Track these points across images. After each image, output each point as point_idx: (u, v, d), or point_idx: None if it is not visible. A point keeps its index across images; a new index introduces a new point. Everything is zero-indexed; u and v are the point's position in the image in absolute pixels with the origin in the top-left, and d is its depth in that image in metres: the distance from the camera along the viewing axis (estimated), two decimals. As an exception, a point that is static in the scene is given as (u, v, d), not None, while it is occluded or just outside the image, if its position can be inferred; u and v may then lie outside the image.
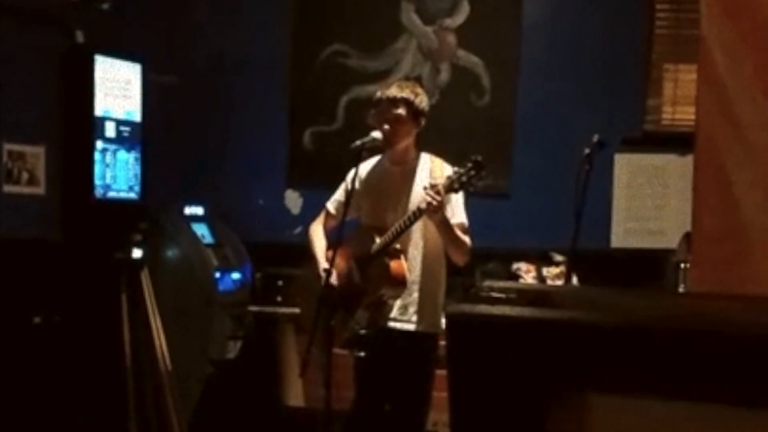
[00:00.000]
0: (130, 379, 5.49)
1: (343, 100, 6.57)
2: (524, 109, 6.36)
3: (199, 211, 6.15)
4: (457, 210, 4.38)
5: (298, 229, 6.07)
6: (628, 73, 6.26)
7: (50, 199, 5.63)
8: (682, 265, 5.31)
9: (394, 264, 4.30)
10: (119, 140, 5.85)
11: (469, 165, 4.05)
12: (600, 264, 5.44)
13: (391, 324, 4.42)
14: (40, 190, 5.59)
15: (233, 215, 6.32)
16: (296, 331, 6.01)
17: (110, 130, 5.79)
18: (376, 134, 4.31)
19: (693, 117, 3.79)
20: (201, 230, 6.04)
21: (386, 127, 4.36)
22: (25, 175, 5.49)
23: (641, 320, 1.91)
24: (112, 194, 5.79)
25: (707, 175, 3.32)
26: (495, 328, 1.97)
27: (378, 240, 4.34)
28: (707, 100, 3.34)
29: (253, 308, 6.14)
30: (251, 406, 5.96)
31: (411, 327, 4.41)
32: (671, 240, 5.69)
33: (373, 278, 4.37)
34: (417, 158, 4.52)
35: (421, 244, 4.41)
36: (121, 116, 5.86)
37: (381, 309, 4.40)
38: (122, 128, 5.87)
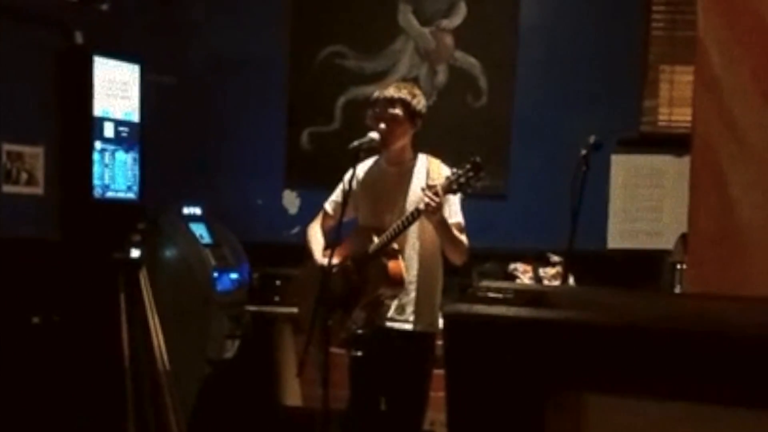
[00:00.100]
0: (128, 378, 5.49)
1: (341, 100, 6.58)
2: (521, 110, 6.37)
3: (197, 211, 6.15)
4: (454, 210, 4.39)
5: (296, 229, 6.09)
6: (625, 75, 6.27)
7: (49, 199, 5.64)
8: (679, 266, 5.32)
9: (391, 264, 4.31)
10: (118, 141, 5.86)
11: (468, 166, 4.06)
12: (596, 264, 5.45)
13: (389, 324, 4.42)
14: (38, 190, 5.60)
15: (231, 215, 6.32)
16: (294, 330, 6.02)
17: (109, 130, 5.80)
18: (374, 135, 4.33)
19: (689, 118, 3.81)
20: (199, 230, 6.04)
21: (383, 126, 4.37)
22: (23, 176, 5.50)
23: (638, 320, 1.91)
24: (110, 194, 5.80)
25: (703, 176, 3.32)
26: (492, 328, 1.97)
27: (376, 240, 4.36)
28: (703, 101, 3.34)
29: (251, 308, 6.15)
30: (249, 405, 5.96)
31: (408, 327, 4.42)
32: (668, 241, 5.70)
33: (370, 278, 4.38)
34: (414, 159, 4.53)
35: (418, 244, 4.42)
36: (120, 117, 5.87)
37: (378, 309, 4.41)
38: (121, 129, 5.88)
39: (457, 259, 4.44)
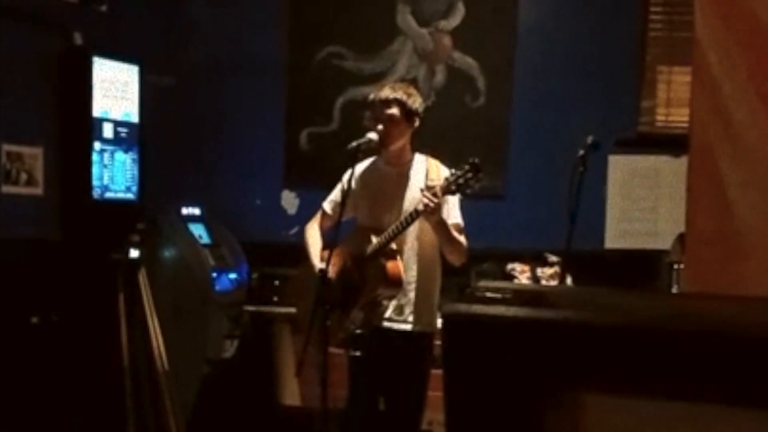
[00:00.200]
0: (127, 378, 5.51)
1: (339, 101, 6.58)
2: (519, 110, 6.38)
3: (196, 211, 6.15)
4: (452, 211, 4.40)
5: (295, 230, 6.10)
6: (623, 75, 6.28)
7: (48, 199, 5.64)
8: (676, 266, 5.34)
9: (390, 264, 4.32)
10: (117, 141, 5.86)
11: (467, 167, 4.07)
12: (594, 265, 5.46)
13: (387, 324, 4.43)
14: (38, 190, 5.60)
15: (230, 215, 6.33)
16: (292, 330, 6.02)
17: (108, 131, 5.79)
18: (372, 135, 4.33)
19: (687, 119, 3.81)
20: (198, 230, 6.04)
21: (380, 127, 4.38)
22: (23, 176, 5.50)
23: (635, 320, 1.91)
24: (109, 195, 5.80)
25: (701, 177, 3.33)
26: (490, 327, 1.97)
27: (374, 240, 4.37)
28: (701, 101, 3.35)
29: (250, 308, 6.15)
30: (248, 405, 5.97)
31: (407, 327, 4.43)
32: (665, 241, 5.71)
33: (369, 278, 4.39)
34: (412, 159, 4.54)
35: (417, 244, 4.43)
36: (119, 117, 5.87)
37: (375, 309, 4.42)
38: (120, 129, 5.88)
39: (455, 260, 4.45)
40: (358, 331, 4.40)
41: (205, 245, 5.99)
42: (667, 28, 6.27)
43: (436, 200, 4.11)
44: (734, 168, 3.19)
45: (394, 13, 6.52)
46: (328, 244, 4.45)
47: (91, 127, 5.70)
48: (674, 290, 5.32)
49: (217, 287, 5.87)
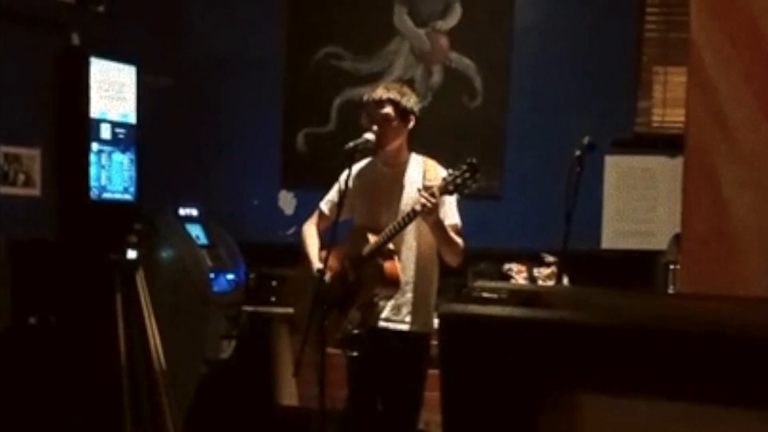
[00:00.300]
0: (125, 379, 5.51)
1: (336, 101, 6.59)
2: (516, 111, 6.38)
3: (193, 212, 6.15)
4: (450, 211, 4.40)
5: (292, 230, 6.09)
6: (619, 76, 6.28)
7: (46, 200, 5.64)
8: (672, 266, 5.33)
9: (387, 265, 4.32)
10: (114, 142, 5.85)
11: (464, 167, 4.06)
12: (590, 265, 5.46)
13: (385, 324, 4.44)
14: (35, 191, 5.60)
15: (227, 216, 6.33)
16: (290, 330, 6.02)
17: (105, 131, 5.79)
18: (369, 135, 4.33)
19: (682, 119, 3.81)
20: (195, 231, 6.04)
21: (375, 128, 4.38)
22: (21, 177, 5.51)
23: (632, 320, 1.92)
24: (107, 195, 5.79)
25: (697, 177, 3.33)
26: (487, 327, 1.98)
27: (372, 241, 4.37)
28: (696, 102, 3.36)
29: (248, 308, 6.15)
30: (245, 405, 5.97)
31: (404, 327, 4.43)
32: (661, 241, 5.72)
33: (366, 279, 4.39)
34: (409, 160, 4.53)
35: (414, 245, 4.43)
36: (116, 118, 5.87)
37: (373, 309, 4.43)
38: (117, 130, 5.87)
39: (452, 261, 4.45)
40: (356, 332, 4.41)
41: (202, 246, 5.99)
42: (662, 28, 6.27)
43: (433, 200, 4.11)
44: (730, 168, 3.20)
45: (391, 14, 6.53)
46: (326, 244, 4.45)
47: (88, 128, 5.69)
48: (670, 290, 5.32)
49: (215, 287, 5.87)
